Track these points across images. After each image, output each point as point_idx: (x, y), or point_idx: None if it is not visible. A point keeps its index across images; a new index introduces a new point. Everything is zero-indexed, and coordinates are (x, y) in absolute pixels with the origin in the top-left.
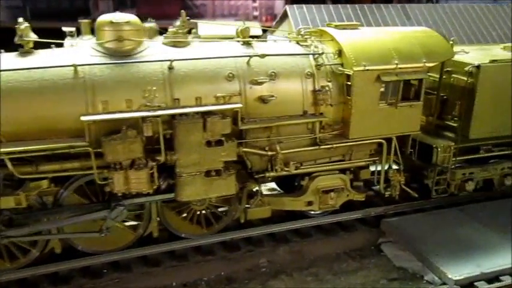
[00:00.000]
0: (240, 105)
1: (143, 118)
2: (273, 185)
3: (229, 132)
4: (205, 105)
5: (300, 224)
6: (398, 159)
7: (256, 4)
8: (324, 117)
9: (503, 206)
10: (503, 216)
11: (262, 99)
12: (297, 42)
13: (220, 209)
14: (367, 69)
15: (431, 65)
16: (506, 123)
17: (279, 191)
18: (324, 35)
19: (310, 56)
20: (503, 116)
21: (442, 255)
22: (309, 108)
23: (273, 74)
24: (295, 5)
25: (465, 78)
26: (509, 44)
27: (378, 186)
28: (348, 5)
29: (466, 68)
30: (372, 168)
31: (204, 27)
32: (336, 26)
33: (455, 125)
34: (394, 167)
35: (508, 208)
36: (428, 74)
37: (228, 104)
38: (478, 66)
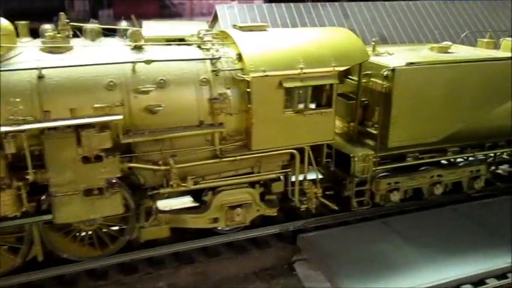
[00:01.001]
0: (118, 117)
1: (5, 133)
2: None
3: (111, 146)
4: (81, 117)
5: (208, 242)
6: (314, 170)
7: (235, 3)
8: (223, 127)
9: (430, 217)
10: (429, 229)
11: (150, 110)
12: (199, 46)
13: (117, 228)
14: (267, 75)
15: (341, 69)
16: (429, 129)
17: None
18: (228, 38)
19: (208, 61)
20: (426, 123)
21: (351, 275)
22: (205, 118)
23: (162, 81)
24: (226, 5)
25: (382, 82)
26: (438, 45)
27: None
28: (283, 4)
29: (382, 71)
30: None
31: (149, 27)
32: (241, 28)
33: (375, 132)
34: (310, 178)
35: (435, 219)
36: (350, 77)
37: (109, 115)
38: (393, 69)
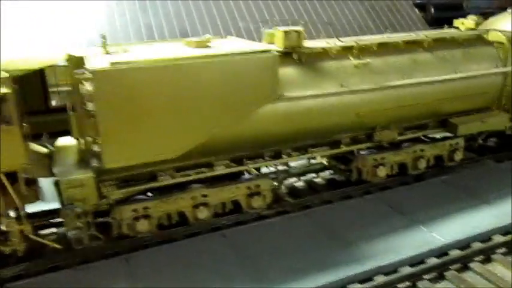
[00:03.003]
0: None
1: None
2: None
3: None
4: None
5: None
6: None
7: None
8: None
9: (194, 246)
10: (182, 262)
11: None
12: None
13: None
14: None
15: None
16: (161, 145)
17: None
18: None
19: None
20: (154, 137)
21: None
22: None
23: None
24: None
25: (88, 88)
26: (195, 39)
27: None
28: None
29: (79, 74)
30: None
31: None
32: None
33: (97, 150)
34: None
35: (197, 248)
36: None
37: None
38: (92, 72)
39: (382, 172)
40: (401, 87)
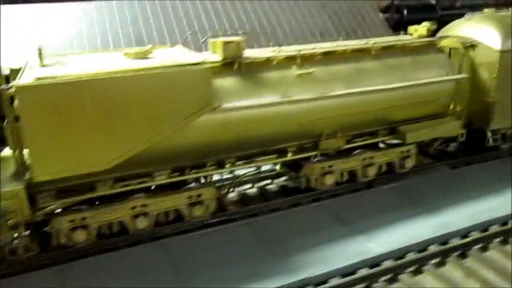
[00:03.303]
0: None
1: None
2: None
3: None
4: None
5: None
6: None
7: None
8: None
9: (129, 257)
10: (113, 273)
11: None
12: None
13: None
14: None
15: None
16: (91, 157)
17: None
18: None
19: None
20: (84, 149)
21: None
22: None
23: None
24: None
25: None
26: (134, 50)
27: None
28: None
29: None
30: None
31: None
32: None
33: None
34: None
35: (134, 259)
36: None
37: None
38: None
39: (329, 180)
40: (345, 96)
